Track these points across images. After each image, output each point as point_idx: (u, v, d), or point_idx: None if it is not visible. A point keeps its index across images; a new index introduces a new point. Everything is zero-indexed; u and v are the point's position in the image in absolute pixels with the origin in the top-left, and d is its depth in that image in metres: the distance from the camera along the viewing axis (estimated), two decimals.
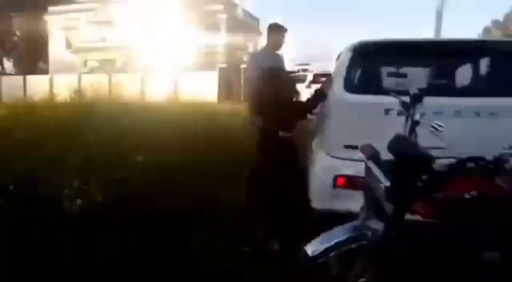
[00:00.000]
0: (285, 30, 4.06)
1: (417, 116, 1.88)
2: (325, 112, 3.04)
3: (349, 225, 2.03)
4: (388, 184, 1.69)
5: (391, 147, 1.76)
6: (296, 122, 3.18)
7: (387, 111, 2.67)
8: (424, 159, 1.64)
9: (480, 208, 1.58)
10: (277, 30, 4.07)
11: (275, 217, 3.12)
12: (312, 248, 1.92)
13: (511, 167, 1.49)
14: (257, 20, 31.78)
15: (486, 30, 40.69)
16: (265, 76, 3.19)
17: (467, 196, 1.67)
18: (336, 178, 2.82)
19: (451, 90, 2.93)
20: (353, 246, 1.95)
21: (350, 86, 2.83)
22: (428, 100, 2.41)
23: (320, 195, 2.90)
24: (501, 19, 40.10)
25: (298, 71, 19.48)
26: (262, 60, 4.01)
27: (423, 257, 1.78)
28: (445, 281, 1.81)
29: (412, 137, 1.86)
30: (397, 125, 2.56)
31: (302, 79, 13.01)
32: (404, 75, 3.12)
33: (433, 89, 2.94)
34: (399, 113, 2.69)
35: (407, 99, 2.00)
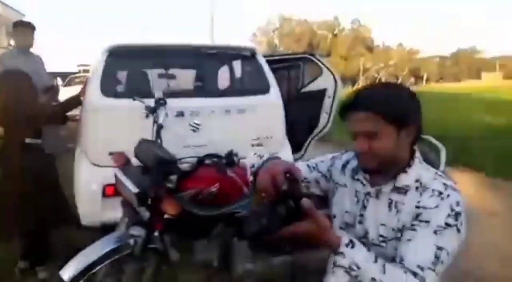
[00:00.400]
0: (33, 28, 3.63)
1: (161, 120, 1.92)
2: (83, 117, 2.83)
3: (109, 237, 1.94)
4: (136, 190, 1.68)
5: (136, 152, 1.75)
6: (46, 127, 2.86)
7: (147, 115, 2.68)
8: (168, 161, 1.68)
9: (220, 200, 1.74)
10: (23, 29, 3.61)
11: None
12: (68, 272, 1.76)
13: (238, 159, 1.67)
14: (22, 15, 27.68)
15: (253, 35, 48.62)
16: (4, 79, 2.75)
17: (213, 189, 1.82)
18: (105, 187, 2.69)
19: (198, 92, 3.13)
20: (117, 257, 1.89)
21: (106, 90, 2.70)
22: (175, 103, 2.52)
23: (89, 208, 2.71)
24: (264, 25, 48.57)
25: (79, 72, 18.08)
26: (8, 62, 3.50)
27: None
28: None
29: (158, 141, 1.89)
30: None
31: (82, 81, 12.04)
32: (173, 76, 3.19)
33: (179, 92, 3.07)
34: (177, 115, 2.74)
35: (152, 102, 2.01)
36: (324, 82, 3.98)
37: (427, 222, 1.15)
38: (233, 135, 2.85)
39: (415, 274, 1.10)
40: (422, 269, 1.11)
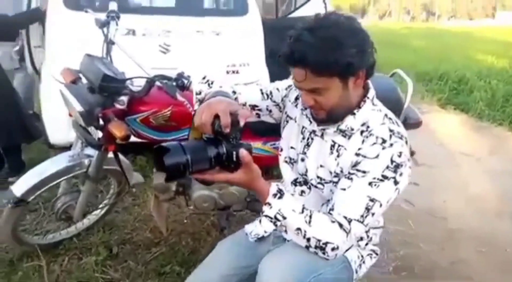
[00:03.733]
0: None
1: (111, 35, 1.78)
2: (46, 31, 2.66)
3: (64, 155, 1.92)
4: (81, 109, 1.61)
5: (81, 68, 1.64)
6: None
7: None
8: (114, 79, 1.58)
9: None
10: None
11: None
12: (20, 188, 1.75)
13: (190, 83, 1.56)
14: None
15: None
16: None
17: (166, 113, 1.74)
18: None
19: (171, 10, 2.93)
20: (71, 175, 1.87)
21: (69, 1, 2.52)
22: (143, 20, 2.34)
23: (56, 127, 2.66)
24: None
25: None
26: None
27: None
28: None
29: (107, 58, 1.78)
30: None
31: None
32: None
33: (148, 8, 2.86)
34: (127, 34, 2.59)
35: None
36: (313, 7, 3.73)
37: (364, 172, 1.09)
38: (206, 59, 2.72)
39: (341, 225, 1.08)
40: (349, 221, 1.09)
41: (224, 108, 1.03)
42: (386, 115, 1.17)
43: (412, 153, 1.84)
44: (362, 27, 1.09)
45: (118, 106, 1.65)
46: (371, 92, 1.19)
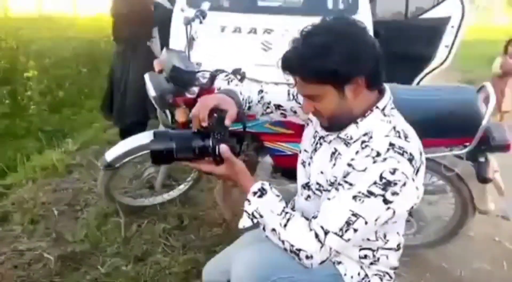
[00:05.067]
0: None
1: (192, 31, 1.98)
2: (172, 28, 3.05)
3: (151, 131, 2.23)
4: (153, 94, 1.87)
5: (161, 61, 1.89)
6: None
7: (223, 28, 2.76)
8: (190, 73, 1.78)
9: None
10: None
11: None
12: (110, 154, 2.12)
13: (243, 77, 1.65)
14: None
15: None
16: None
17: None
18: None
19: (276, 9, 3.01)
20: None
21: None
22: (247, 19, 2.49)
23: None
24: None
25: None
26: None
27: None
28: None
29: (185, 52, 1.98)
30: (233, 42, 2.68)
31: None
32: None
33: (255, 8, 2.99)
34: (234, 31, 2.81)
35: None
36: (448, 8, 3.38)
37: (351, 184, 1.02)
38: None
39: (316, 235, 1.05)
40: (326, 232, 1.05)
41: (207, 104, 1.12)
42: (394, 127, 1.07)
43: (486, 180, 1.60)
44: (364, 33, 1.04)
45: (188, 95, 1.86)
46: (383, 102, 1.10)
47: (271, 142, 1.90)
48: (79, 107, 4.92)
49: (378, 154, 1.01)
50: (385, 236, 1.19)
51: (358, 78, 1.02)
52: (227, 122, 1.12)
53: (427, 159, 1.74)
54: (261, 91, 1.40)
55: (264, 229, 1.13)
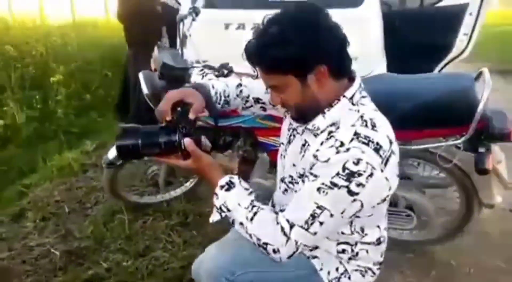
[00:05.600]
0: None
1: (184, 28, 1.98)
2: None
3: None
4: (146, 91, 1.89)
5: (153, 58, 1.91)
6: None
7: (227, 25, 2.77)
8: (180, 69, 1.80)
9: None
10: None
11: None
12: (112, 152, 2.16)
13: (231, 72, 1.65)
14: None
15: None
16: None
17: None
18: None
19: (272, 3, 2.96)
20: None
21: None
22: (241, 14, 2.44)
23: None
24: None
25: None
26: None
27: None
28: None
29: (177, 50, 1.99)
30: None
31: None
32: None
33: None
34: (238, 28, 2.81)
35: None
36: None
37: (315, 176, 0.99)
38: None
39: (282, 228, 1.03)
40: (292, 226, 1.02)
41: (170, 98, 1.12)
42: (362, 116, 1.04)
43: (484, 171, 1.52)
44: (325, 20, 1.01)
45: None
46: (351, 91, 1.06)
47: (265, 137, 1.88)
48: (104, 110, 5.07)
49: (342, 144, 0.98)
50: (362, 230, 1.15)
51: (320, 67, 0.99)
52: (191, 115, 1.12)
53: (425, 150, 1.70)
54: (240, 85, 1.39)
55: (233, 223, 1.12)
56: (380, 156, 0.98)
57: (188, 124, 1.11)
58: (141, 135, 1.09)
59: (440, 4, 3.46)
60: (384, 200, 1.05)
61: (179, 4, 3.09)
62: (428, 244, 2.01)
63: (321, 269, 1.21)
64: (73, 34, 6.84)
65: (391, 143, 1.02)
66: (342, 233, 1.14)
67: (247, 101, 1.40)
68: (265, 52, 0.99)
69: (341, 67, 1.05)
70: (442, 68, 3.57)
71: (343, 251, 1.18)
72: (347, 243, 1.17)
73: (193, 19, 2.01)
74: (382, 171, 0.98)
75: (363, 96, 1.09)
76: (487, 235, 2.19)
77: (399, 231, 1.95)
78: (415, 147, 1.68)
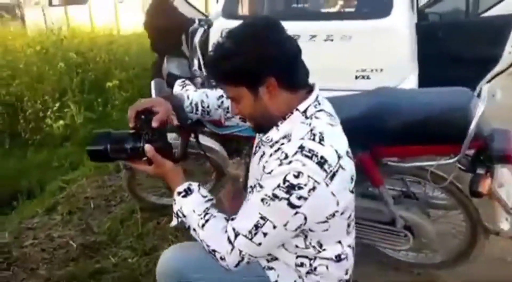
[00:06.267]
0: None
1: (195, 39, 2.05)
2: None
3: None
4: None
5: (163, 68, 2.02)
6: None
7: None
8: (180, 78, 1.89)
9: None
10: None
11: None
12: None
13: None
14: None
15: None
16: None
17: None
18: None
19: (301, 14, 2.95)
20: None
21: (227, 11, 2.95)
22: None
23: None
24: None
25: None
26: None
27: None
28: None
29: (187, 60, 2.06)
30: None
31: None
32: None
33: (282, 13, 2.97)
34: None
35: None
36: None
37: (261, 187, 1.01)
38: (335, 64, 2.68)
39: (228, 237, 1.06)
40: (236, 234, 1.05)
41: (136, 106, 1.19)
42: (311, 130, 1.03)
43: (477, 194, 1.43)
44: (274, 33, 1.03)
45: None
46: (305, 104, 1.07)
47: None
48: None
49: (286, 157, 0.99)
50: (320, 245, 1.13)
51: (269, 79, 1.01)
52: (154, 123, 1.18)
53: (419, 168, 1.62)
54: (221, 96, 1.44)
55: (189, 228, 1.17)
56: (325, 170, 0.97)
57: (151, 132, 1.17)
58: (110, 141, 1.18)
59: (486, 14, 3.25)
60: (333, 215, 1.04)
61: (206, 16, 3.21)
62: (431, 267, 1.90)
63: (276, 281, 1.21)
64: (134, 43, 7.33)
65: (339, 157, 1.01)
66: (296, 246, 1.13)
67: (228, 111, 1.44)
68: (216, 65, 1.05)
69: (292, 79, 1.05)
70: (489, 82, 3.34)
71: (302, 264, 1.17)
72: (305, 256, 1.16)
73: (205, 31, 2.09)
74: (327, 185, 0.97)
75: (320, 110, 1.08)
76: (499, 262, 2.01)
77: (396, 251, 1.87)
78: (408, 164, 1.62)
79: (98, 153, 1.18)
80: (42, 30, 6.92)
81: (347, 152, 1.06)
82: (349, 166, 1.04)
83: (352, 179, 1.07)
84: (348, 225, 1.15)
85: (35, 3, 11.61)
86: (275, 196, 0.97)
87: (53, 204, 2.74)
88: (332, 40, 2.67)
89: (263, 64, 1.00)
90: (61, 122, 4.36)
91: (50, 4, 11.84)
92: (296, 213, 0.97)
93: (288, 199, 0.96)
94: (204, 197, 1.18)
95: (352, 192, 1.08)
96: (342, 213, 1.06)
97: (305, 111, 1.06)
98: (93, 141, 1.19)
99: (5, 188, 3.13)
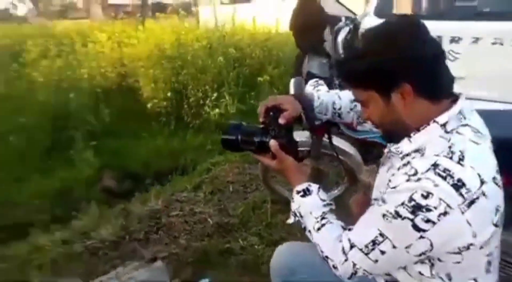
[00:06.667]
0: None
1: (339, 37, 2.01)
2: None
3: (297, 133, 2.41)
4: None
5: (304, 66, 2.06)
6: None
7: None
8: (322, 79, 1.91)
9: None
10: None
11: None
12: None
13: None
14: None
15: None
16: None
17: None
18: None
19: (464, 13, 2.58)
20: None
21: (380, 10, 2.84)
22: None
23: None
24: None
25: None
26: None
27: None
28: None
29: (327, 59, 2.03)
30: None
31: None
32: None
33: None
34: None
35: None
36: None
37: (384, 201, 0.94)
38: (502, 69, 2.35)
39: (343, 247, 1.03)
40: (352, 246, 1.00)
41: (265, 103, 1.24)
42: (450, 147, 0.92)
43: None
44: (422, 36, 0.94)
45: None
46: (444, 116, 0.95)
47: None
48: None
49: (416, 173, 0.90)
50: (450, 278, 0.99)
51: (403, 84, 0.93)
52: (280, 120, 1.20)
53: None
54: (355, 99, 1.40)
55: (304, 229, 1.16)
56: (461, 195, 0.85)
57: (278, 128, 1.22)
58: (242, 132, 1.27)
59: None
60: (468, 248, 0.90)
61: (353, 13, 3.11)
62: None
63: None
64: (289, 41, 7.59)
65: (482, 182, 0.87)
66: (420, 273, 1.01)
67: (359, 116, 1.39)
68: (346, 65, 1.02)
69: (432, 87, 0.95)
70: None
71: None
72: None
73: (350, 30, 2.06)
74: (462, 212, 0.86)
75: (464, 125, 0.95)
76: None
77: None
78: None
79: (230, 142, 1.25)
80: (211, 26, 7.65)
81: (494, 178, 0.91)
82: (495, 194, 0.90)
83: (497, 210, 0.91)
84: (489, 263, 0.98)
85: (209, 1, 12.92)
86: (397, 214, 0.89)
87: (199, 182, 3.07)
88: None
89: (397, 67, 0.92)
90: (217, 110, 4.82)
91: (221, 2, 13.07)
92: (421, 237, 0.88)
93: (412, 220, 0.87)
94: (323, 200, 1.15)
95: (496, 225, 0.92)
96: (480, 248, 0.92)
97: (444, 125, 0.94)
98: (226, 130, 1.29)
99: (166, 163, 3.63)
